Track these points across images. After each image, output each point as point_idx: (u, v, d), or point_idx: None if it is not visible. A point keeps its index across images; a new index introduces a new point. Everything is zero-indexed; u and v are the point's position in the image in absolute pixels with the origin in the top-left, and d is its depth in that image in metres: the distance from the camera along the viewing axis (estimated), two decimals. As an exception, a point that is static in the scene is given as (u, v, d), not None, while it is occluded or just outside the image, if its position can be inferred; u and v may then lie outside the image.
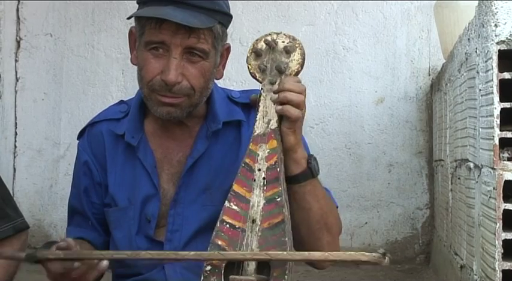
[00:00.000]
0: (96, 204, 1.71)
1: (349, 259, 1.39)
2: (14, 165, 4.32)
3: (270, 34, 1.57)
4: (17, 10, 4.35)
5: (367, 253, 1.34)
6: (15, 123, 4.32)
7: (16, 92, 4.33)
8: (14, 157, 4.32)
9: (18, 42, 4.35)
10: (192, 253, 1.44)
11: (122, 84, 4.25)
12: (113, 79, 4.29)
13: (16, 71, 4.33)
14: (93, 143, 1.72)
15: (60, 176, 4.29)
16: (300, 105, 1.48)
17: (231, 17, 1.61)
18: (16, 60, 4.33)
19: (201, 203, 1.62)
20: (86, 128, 1.75)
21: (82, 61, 4.33)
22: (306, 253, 1.40)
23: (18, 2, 4.34)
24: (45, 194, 4.31)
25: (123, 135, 1.67)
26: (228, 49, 1.67)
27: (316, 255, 1.41)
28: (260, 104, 1.51)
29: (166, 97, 1.56)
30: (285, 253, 1.37)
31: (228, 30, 1.63)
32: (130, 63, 1.64)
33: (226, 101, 1.70)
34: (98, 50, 4.32)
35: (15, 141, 4.32)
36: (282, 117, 1.50)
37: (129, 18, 1.59)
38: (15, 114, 4.32)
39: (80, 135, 1.76)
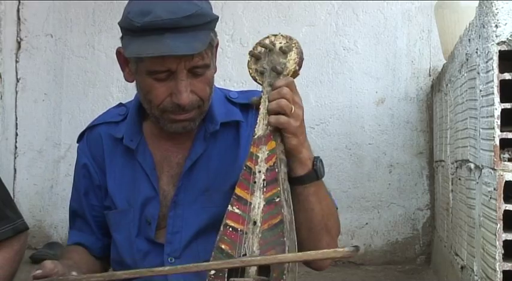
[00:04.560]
0: (96, 206, 1.72)
1: (322, 257, 1.40)
2: (14, 166, 4.31)
3: (267, 37, 1.56)
4: (18, 11, 4.34)
5: (339, 249, 1.33)
6: (16, 124, 4.32)
7: (17, 92, 4.33)
8: (15, 158, 4.31)
9: (19, 43, 4.34)
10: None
11: (123, 85, 4.24)
12: (114, 80, 4.28)
13: (17, 72, 4.33)
14: (92, 146, 1.73)
15: (60, 177, 4.28)
16: (282, 111, 1.45)
17: (218, 18, 1.59)
18: (17, 61, 4.33)
19: (200, 204, 1.62)
20: (85, 132, 1.76)
21: (83, 62, 4.32)
22: (280, 255, 1.36)
23: (19, 2, 4.34)
24: (46, 195, 4.30)
25: (122, 138, 1.68)
26: (217, 44, 1.64)
27: (289, 256, 1.37)
28: (260, 106, 1.51)
29: (180, 115, 1.57)
30: (259, 257, 1.36)
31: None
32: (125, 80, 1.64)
33: (224, 102, 1.69)
34: (99, 50, 4.31)
35: (16, 142, 4.32)
36: None
37: (130, 56, 1.56)
38: (16, 115, 4.32)
39: (80, 138, 1.77)
